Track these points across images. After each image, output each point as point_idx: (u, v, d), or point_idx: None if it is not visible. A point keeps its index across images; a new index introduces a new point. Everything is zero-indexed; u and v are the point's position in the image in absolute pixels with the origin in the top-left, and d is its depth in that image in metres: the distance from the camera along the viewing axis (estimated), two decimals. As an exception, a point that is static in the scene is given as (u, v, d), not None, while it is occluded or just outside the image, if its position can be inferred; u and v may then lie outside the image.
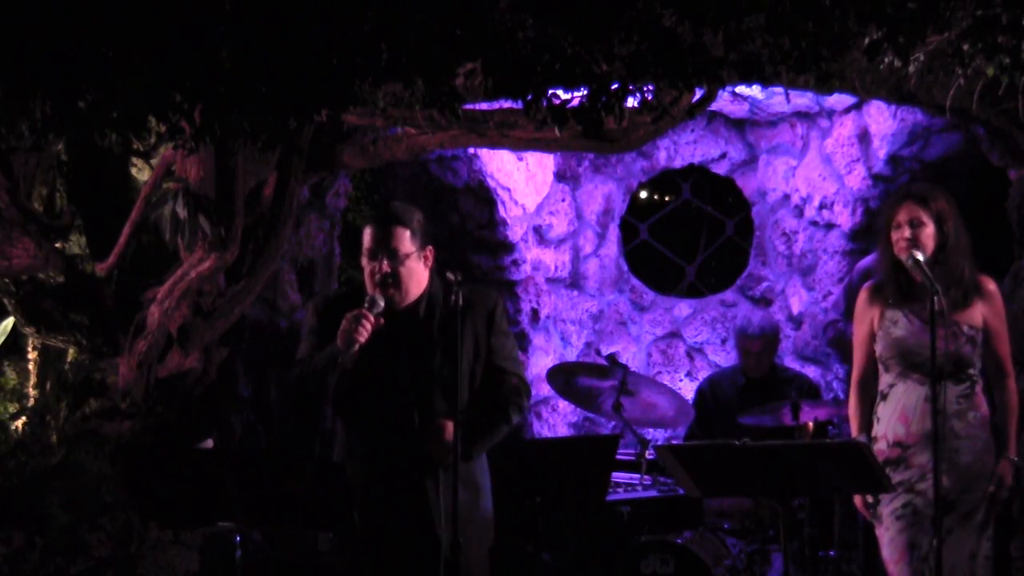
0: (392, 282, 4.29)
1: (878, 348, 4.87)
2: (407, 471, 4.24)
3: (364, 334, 4.18)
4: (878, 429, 4.86)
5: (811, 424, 6.32)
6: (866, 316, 4.91)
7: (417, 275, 4.34)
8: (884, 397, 4.86)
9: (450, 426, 4.17)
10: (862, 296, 4.94)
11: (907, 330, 4.79)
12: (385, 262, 4.28)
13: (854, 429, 4.94)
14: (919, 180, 7.51)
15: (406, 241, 4.30)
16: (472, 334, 4.35)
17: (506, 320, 4.51)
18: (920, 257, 4.69)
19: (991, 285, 4.87)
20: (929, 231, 4.77)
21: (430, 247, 4.39)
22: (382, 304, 4.25)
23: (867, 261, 6.83)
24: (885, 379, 4.87)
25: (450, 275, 4.31)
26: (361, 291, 4.34)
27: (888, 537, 4.76)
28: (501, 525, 4.52)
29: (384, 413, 4.30)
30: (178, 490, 4.14)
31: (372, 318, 4.21)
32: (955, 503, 4.68)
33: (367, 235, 4.35)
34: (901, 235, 4.79)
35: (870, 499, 4.84)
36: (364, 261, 4.34)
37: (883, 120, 7.73)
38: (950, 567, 4.60)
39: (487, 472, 4.43)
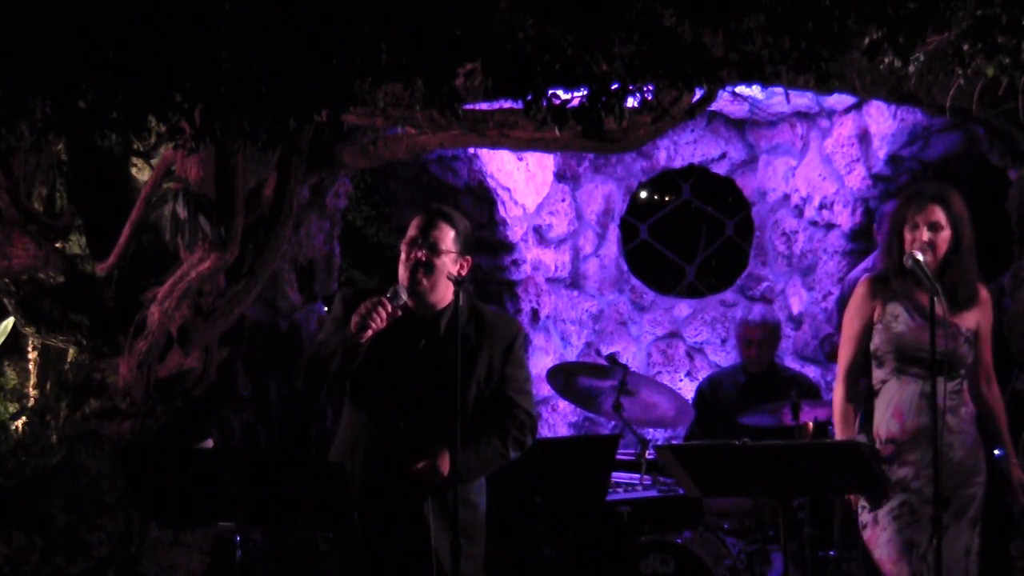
0: (425, 271, 4.27)
1: (874, 342, 4.85)
2: (404, 486, 4.23)
3: (379, 321, 4.16)
4: (869, 426, 4.86)
5: (811, 424, 6.32)
6: (865, 309, 4.88)
7: (448, 276, 4.31)
8: (875, 393, 4.86)
9: (446, 458, 4.14)
10: (862, 288, 4.90)
11: (907, 326, 4.79)
12: (423, 252, 4.28)
13: (841, 427, 4.90)
14: (932, 180, 7.49)
15: (448, 239, 4.30)
16: (488, 360, 4.33)
17: (525, 354, 4.48)
18: (920, 257, 4.69)
19: (985, 292, 4.89)
20: (946, 235, 4.77)
21: (468, 258, 4.36)
22: (404, 298, 4.24)
23: (857, 272, 6.85)
24: (877, 375, 4.86)
25: (451, 275, 4.31)
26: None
27: (885, 537, 4.75)
28: (501, 525, 4.52)
29: (388, 420, 4.29)
30: (178, 490, 4.13)
31: (390, 307, 4.19)
32: (950, 500, 4.68)
33: (412, 225, 4.34)
34: (918, 236, 4.76)
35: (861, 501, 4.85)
36: (403, 249, 4.34)
37: (883, 120, 7.73)
38: (947, 564, 4.60)
39: (484, 493, 4.41)
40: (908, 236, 4.79)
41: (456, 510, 4.07)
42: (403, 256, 4.32)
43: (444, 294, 4.33)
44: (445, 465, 4.15)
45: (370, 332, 4.16)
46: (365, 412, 4.35)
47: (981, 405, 4.86)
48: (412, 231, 4.33)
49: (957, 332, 4.75)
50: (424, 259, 4.27)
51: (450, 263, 4.30)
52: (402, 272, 4.31)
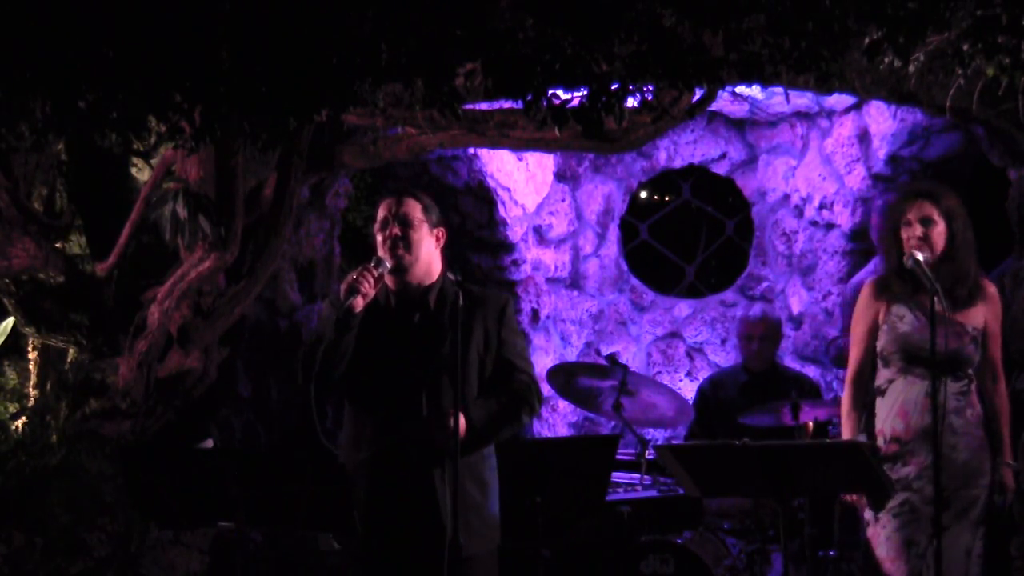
0: (403, 245, 4.33)
1: (880, 342, 4.87)
2: (414, 460, 4.24)
3: (366, 285, 4.22)
4: (875, 424, 4.87)
5: (811, 424, 6.32)
6: (869, 311, 4.90)
7: (427, 248, 4.37)
8: (882, 392, 4.87)
9: (462, 421, 4.16)
10: (866, 291, 4.93)
11: (912, 325, 4.80)
12: (396, 227, 4.34)
13: (847, 429, 4.92)
14: (925, 179, 7.50)
15: (418, 211, 4.37)
16: (483, 327, 4.37)
17: (516, 320, 4.52)
18: (920, 257, 4.69)
19: (992, 288, 4.89)
20: (940, 229, 4.78)
21: (442, 229, 4.44)
22: (389, 265, 4.31)
23: (861, 276, 6.86)
24: (883, 374, 4.87)
25: (450, 275, 4.34)
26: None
27: (885, 535, 4.77)
28: (501, 525, 4.51)
29: (392, 398, 4.31)
30: (178, 490, 4.13)
31: (376, 272, 4.26)
32: (951, 500, 4.69)
33: (380, 208, 4.42)
34: (912, 233, 4.78)
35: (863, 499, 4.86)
36: (376, 233, 4.39)
37: (883, 120, 7.73)
38: (946, 564, 4.61)
39: (495, 472, 4.41)
40: (904, 234, 4.80)
41: (456, 493, 4.06)
42: (379, 240, 4.38)
43: (428, 269, 4.39)
44: (462, 422, 4.15)
45: (360, 299, 4.21)
46: (367, 396, 4.34)
47: (988, 404, 4.86)
48: (381, 213, 4.40)
49: (963, 331, 4.76)
50: (400, 234, 4.33)
51: (426, 234, 4.37)
52: (382, 254, 4.36)
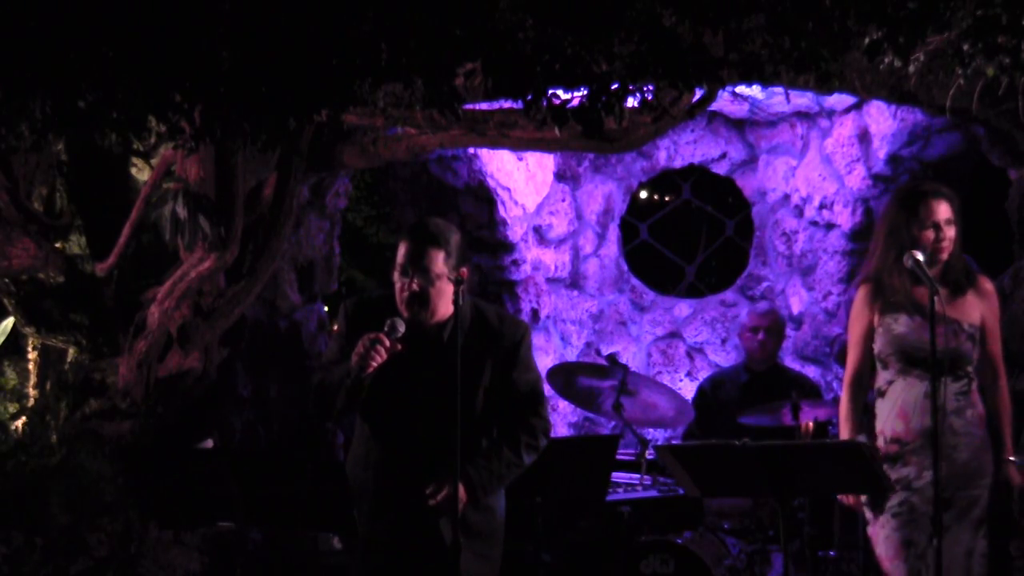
0: (420, 302, 4.21)
1: (877, 345, 4.86)
2: (419, 506, 4.20)
3: (378, 359, 4.11)
4: (875, 425, 4.87)
5: (811, 424, 6.32)
6: (864, 314, 4.90)
7: (447, 296, 4.21)
8: (882, 394, 4.86)
9: (462, 492, 4.11)
10: (861, 294, 4.92)
11: (908, 326, 4.79)
12: (415, 281, 4.19)
13: (844, 430, 4.91)
14: (928, 178, 7.49)
15: (439, 262, 4.20)
16: (492, 366, 4.29)
17: (531, 354, 4.42)
18: (920, 257, 4.68)
19: (989, 285, 4.88)
20: (954, 229, 4.79)
21: (464, 269, 4.27)
22: (402, 330, 4.16)
23: None
24: (883, 376, 4.87)
25: (449, 277, 4.29)
26: (393, 298, 4.28)
27: (884, 534, 4.77)
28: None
29: (399, 431, 4.27)
30: (178, 490, 4.14)
31: (388, 343, 4.13)
32: (952, 500, 4.69)
33: (400, 251, 4.24)
34: (945, 235, 4.75)
35: (863, 499, 4.85)
36: (395, 276, 4.26)
37: (883, 120, 7.73)
38: (946, 564, 4.60)
39: (502, 496, 4.36)
40: (928, 235, 4.74)
41: (456, 487, 4.03)
42: (397, 287, 4.25)
43: (446, 309, 4.26)
44: (462, 493, 4.12)
45: (371, 369, 4.12)
46: (375, 428, 4.32)
47: (989, 401, 4.85)
48: (400, 259, 4.24)
49: (959, 329, 4.75)
50: (418, 290, 4.20)
51: (444, 284, 4.21)
52: (399, 304, 4.25)
